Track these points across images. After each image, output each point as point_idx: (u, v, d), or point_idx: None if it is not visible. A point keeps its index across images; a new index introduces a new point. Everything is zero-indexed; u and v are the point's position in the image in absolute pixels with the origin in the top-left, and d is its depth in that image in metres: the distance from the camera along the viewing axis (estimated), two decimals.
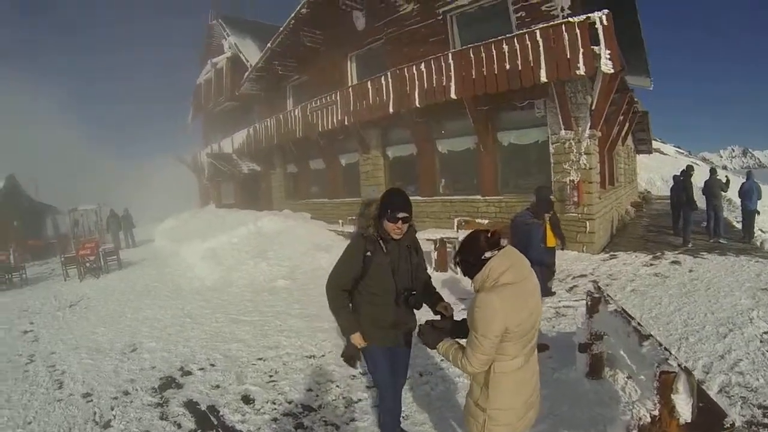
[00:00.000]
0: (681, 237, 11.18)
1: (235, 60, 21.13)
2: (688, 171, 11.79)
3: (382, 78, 12.21)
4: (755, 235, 11.23)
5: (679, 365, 2.78)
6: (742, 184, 11.84)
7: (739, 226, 12.50)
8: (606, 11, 8.48)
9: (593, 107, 9.38)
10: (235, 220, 14.18)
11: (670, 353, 2.99)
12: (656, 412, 2.81)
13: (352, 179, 15.15)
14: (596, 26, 8.50)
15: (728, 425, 2.98)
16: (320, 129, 14.73)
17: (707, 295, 6.84)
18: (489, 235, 2.19)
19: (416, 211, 10.46)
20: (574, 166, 9.64)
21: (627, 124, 14.80)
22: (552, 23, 9.17)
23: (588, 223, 9.64)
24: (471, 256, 2.18)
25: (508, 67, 9.63)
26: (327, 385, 4.63)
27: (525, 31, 9.55)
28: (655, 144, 31.51)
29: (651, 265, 8.86)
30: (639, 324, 3.51)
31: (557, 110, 9.65)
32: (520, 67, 9.44)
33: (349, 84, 14.47)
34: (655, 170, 30.86)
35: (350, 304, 2.99)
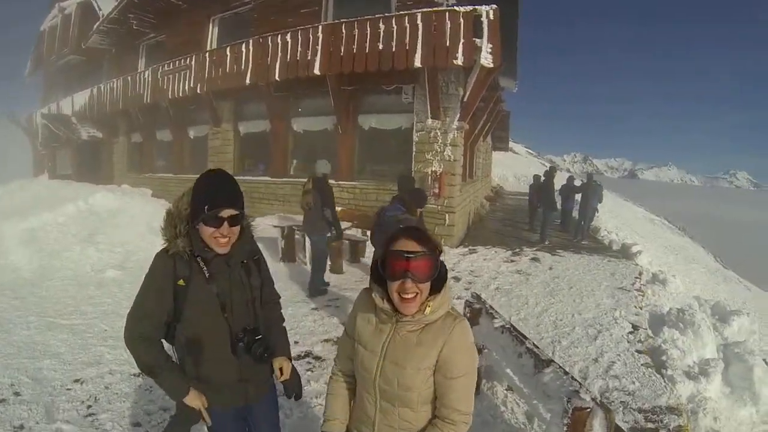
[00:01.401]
0: (537, 233, 11.71)
1: (87, 7, 17.92)
2: (551, 172, 12.42)
3: (243, 45, 11.01)
4: (601, 234, 12.66)
5: (593, 399, 2.52)
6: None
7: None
8: (494, 6, 8.38)
9: (465, 99, 9.23)
10: (67, 195, 12.06)
11: (581, 384, 2.71)
12: None
13: (200, 154, 13.73)
14: (482, 19, 8.34)
15: None
16: (170, 96, 13.08)
17: (571, 294, 7.07)
18: None
19: (265, 192, 9.38)
20: (438, 157, 9.38)
21: (490, 122, 15.12)
22: (436, 9, 8.84)
23: (447, 216, 9.46)
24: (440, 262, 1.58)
25: (381, 47, 9.06)
26: (159, 416, 3.53)
27: (405, 12, 9.07)
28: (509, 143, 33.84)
29: (512, 261, 9.03)
30: (535, 345, 3.25)
31: (426, 98, 9.33)
32: (394, 49, 8.92)
33: (208, 49, 12.98)
34: (508, 167, 33.40)
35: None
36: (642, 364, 4.73)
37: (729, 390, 4.97)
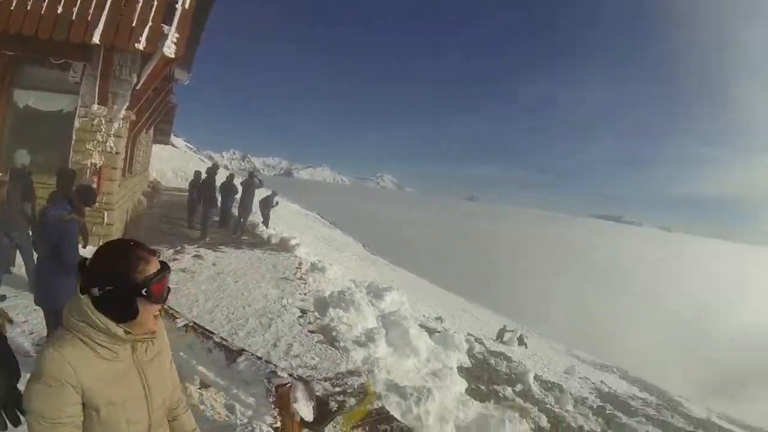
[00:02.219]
0: (197, 230, 12.06)
1: None
2: (213, 169, 12.93)
3: None
4: (260, 229, 13.85)
5: (290, 375, 2.91)
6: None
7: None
8: None
9: (137, 87, 8.74)
10: None
11: (275, 366, 3.05)
12: (278, 424, 2.82)
13: None
14: (176, 6, 8.01)
15: (333, 408, 3.35)
16: None
17: (238, 288, 7.45)
18: None
19: None
20: (99, 148, 8.57)
21: (157, 114, 14.70)
22: None
23: (106, 214, 8.80)
24: None
25: (60, 11, 7.68)
26: None
27: None
28: None
29: (175, 260, 8.98)
30: (223, 339, 3.45)
31: (96, 80, 8.42)
32: (74, 17, 7.70)
33: None
34: (167, 161, 31.82)
35: None
36: (317, 342, 5.40)
37: (392, 349, 6.51)
